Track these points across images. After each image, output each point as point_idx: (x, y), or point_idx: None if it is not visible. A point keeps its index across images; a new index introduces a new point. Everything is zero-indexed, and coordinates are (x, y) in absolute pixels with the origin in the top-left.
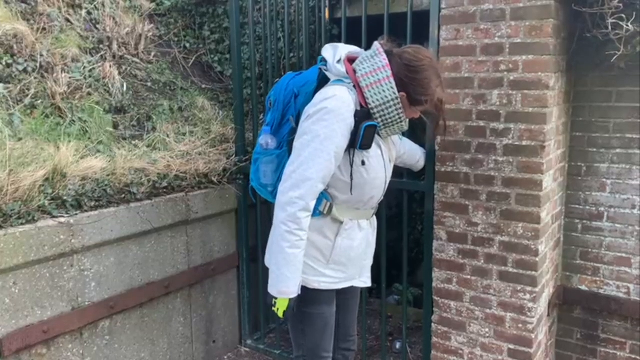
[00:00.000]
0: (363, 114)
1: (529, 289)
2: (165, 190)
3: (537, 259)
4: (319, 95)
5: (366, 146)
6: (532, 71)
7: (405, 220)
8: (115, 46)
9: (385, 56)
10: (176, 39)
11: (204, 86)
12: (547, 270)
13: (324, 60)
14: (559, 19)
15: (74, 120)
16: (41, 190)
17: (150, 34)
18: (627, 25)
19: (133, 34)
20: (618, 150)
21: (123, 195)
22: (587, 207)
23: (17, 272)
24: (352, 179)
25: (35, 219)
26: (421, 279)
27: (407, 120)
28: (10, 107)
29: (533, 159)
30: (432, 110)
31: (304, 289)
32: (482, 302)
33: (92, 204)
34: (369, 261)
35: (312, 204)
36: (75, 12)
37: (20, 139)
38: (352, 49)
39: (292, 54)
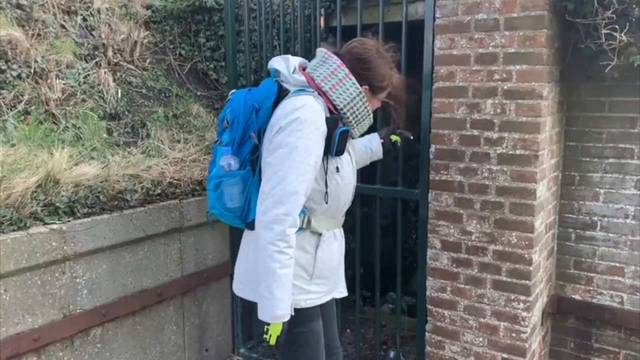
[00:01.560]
0: (334, 120)
1: (522, 298)
2: (158, 197)
3: (531, 268)
4: (288, 106)
5: (341, 152)
6: (525, 81)
7: (399, 228)
8: (110, 53)
9: (336, 57)
10: (171, 46)
11: (199, 93)
12: (540, 279)
13: (278, 74)
14: (552, 30)
15: (67, 127)
16: (34, 196)
17: (146, 40)
18: (621, 36)
19: (128, 40)
20: (611, 160)
21: (116, 202)
22: (581, 217)
23: (7, 279)
24: (327, 187)
25: (27, 225)
26: (415, 288)
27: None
28: (4, 113)
29: (527, 168)
30: (396, 94)
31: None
32: (475, 311)
33: (85, 210)
34: (342, 270)
35: (297, 218)
36: (71, 19)
37: (13, 145)
38: (301, 60)
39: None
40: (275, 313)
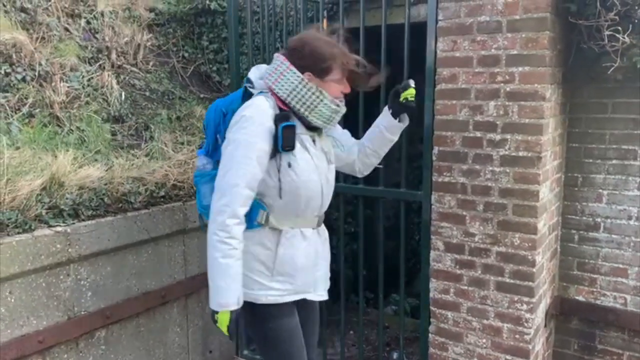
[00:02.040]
0: (282, 116)
1: (526, 299)
2: (162, 199)
3: (534, 270)
4: (241, 107)
5: (289, 147)
6: (528, 82)
7: (402, 230)
8: (114, 55)
9: (280, 55)
10: (175, 49)
11: (202, 95)
12: (544, 280)
13: (250, 81)
14: (555, 31)
15: (72, 129)
16: (38, 199)
17: (149, 43)
18: (623, 38)
19: (132, 43)
20: (614, 161)
21: (120, 205)
22: (584, 218)
23: (13, 282)
24: (280, 182)
25: (32, 228)
26: (418, 289)
27: (338, 101)
28: (9, 115)
29: (529, 170)
30: (352, 70)
31: (257, 305)
32: (479, 313)
33: (89, 213)
34: (323, 273)
35: (241, 210)
36: (75, 22)
37: (18, 148)
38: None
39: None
40: (220, 301)
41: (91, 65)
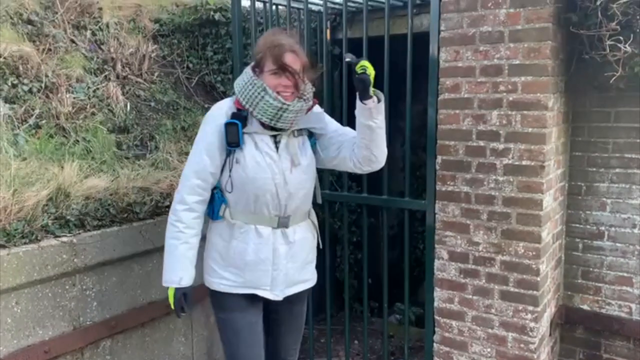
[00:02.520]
0: (232, 114)
1: (530, 308)
2: (167, 209)
3: (539, 279)
4: None
5: (233, 144)
6: (531, 92)
7: (407, 239)
8: (119, 66)
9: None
10: (179, 59)
11: (206, 105)
12: (548, 289)
13: None
14: (556, 41)
15: (77, 140)
16: (45, 209)
17: (154, 54)
18: (625, 47)
19: (137, 54)
20: (617, 170)
21: (126, 215)
22: (588, 226)
23: (19, 292)
24: (230, 177)
25: (39, 238)
26: (422, 298)
27: (282, 96)
28: (15, 127)
29: (533, 179)
30: (282, 62)
31: (214, 293)
32: (483, 322)
33: (95, 223)
34: (285, 274)
35: (189, 198)
36: (80, 33)
37: (24, 159)
38: None
39: None
40: (165, 277)
41: (97, 76)
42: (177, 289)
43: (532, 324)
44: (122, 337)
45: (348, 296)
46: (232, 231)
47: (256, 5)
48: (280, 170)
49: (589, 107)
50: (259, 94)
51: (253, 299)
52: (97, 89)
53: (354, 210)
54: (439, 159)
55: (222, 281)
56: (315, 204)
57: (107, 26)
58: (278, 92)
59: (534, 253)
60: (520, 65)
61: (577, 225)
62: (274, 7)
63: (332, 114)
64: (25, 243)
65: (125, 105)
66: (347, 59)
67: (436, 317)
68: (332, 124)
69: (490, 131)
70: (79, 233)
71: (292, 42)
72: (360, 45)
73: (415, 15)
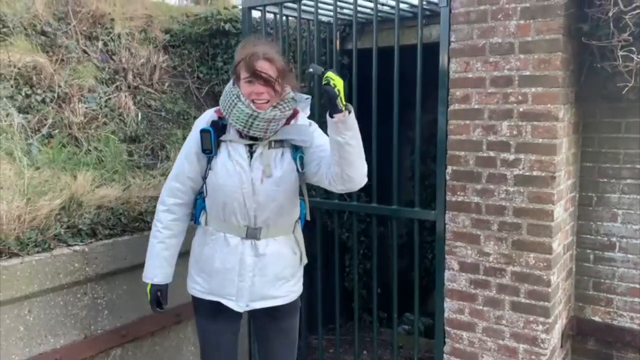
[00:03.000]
0: (213, 122)
1: (541, 319)
2: None
3: (550, 290)
4: None
5: (207, 150)
6: (541, 103)
7: (417, 249)
8: (130, 77)
9: None
10: (189, 70)
11: None
12: (559, 300)
13: None
14: (567, 52)
15: (90, 150)
16: (57, 218)
17: (165, 64)
18: (637, 58)
19: (148, 64)
20: (629, 181)
21: (137, 224)
22: (599, 237)
23: (32, 300)
24: (205, 182)
25: (51, 247)
26: (431, 309)
27: (256, 104)
28: (29, 136)
29: (544, 190)
30: (254, 69)
31: (192, 296)
32: (494, 333)
33: (107, 232)
34: (251, 286)
35: (169, 200)
36: (92, 44)
37: (37, 168)
38: None
39: (302, 84)
40: (143, 273)
41: (108, 87)
42: (152, 285)
43: (543, 336)
44: (132, 346)
45: (357, 306)
46: (205, 237)
47: (267, 16)
48: (248, 180)
49: (600, 117)
50: (232, 101)
51: (223, 308)
52: (109, 99)
53: (362, 219)
54: (449, 169)
55: (195, 285)
56: (324, 214)
57: (119, 37)
58: (252, 100)
59: (545, 264)
60: (530, 77)
61: (588, 236)
62: (284, 17)
63: None
64: (38, 252)
65: (137, 115)
66: (310, 70)
67: (446, 327)
68: (319, 138)
69: (500, 142)
70: (91, 242)
71: (267, 49)
72: (368, 55)
73: (424, 26)
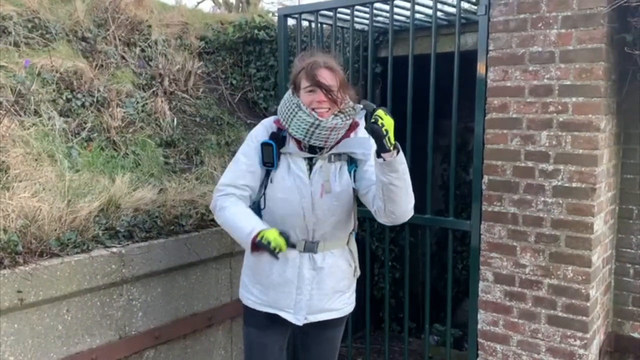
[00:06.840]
0: (273, 134)
1: (579, 334)
2: (212, 222)
3: (588, 304)
4: None
5: (268, 164)
6: (582, 113)
7: (450, 259)
8: (166, 82)
9: None
10: (223, 76)
11: (249, 121)
12: (598, 315)
13: None
14: (609, 62)
15: (127, 153)
16: (96, 220)
17: (199, 71)
18: None
19: (183, 70)
20: None
21: (172, 227)
22: (639, 251)
23: (70, 300)
24: (264, 195)
25: (90, 248)
26: (460, 319)
27: (317, 112)
28: (69, 139)
29: (583, 201)
30: (315, 80)
31: (242, 304)
32: (529, 347)
33: (143, 234)
34: (309, 300)
35: (221, 191)
36: (130, 50)
37: (77, 171)
38: None
39: None
40: (242, 243)
41: (145, 92)
42: (254, 236)
43: (581, 351)
44: (165, 348)
45: (388, 315)
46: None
47: (302, 24)
48: (308, 194)
49: None
50: (293, 110)
51: (277, 320)
52: (146, 104)
53: (393, 228)
54: (486, 178)
55: (250, 296)
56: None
57: (156, 43)
58: (313, 109)
59: (583, 277)
60: (571, 86)
61: (628, 250)
62: (319, 25)
63: None
64: (77, 252)
65: (172, 120)
66: (361, 106)
67: (479, 339)
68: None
69: (539, 152)
70: (128, 244)
71: (327, 58)
72: (405, 62)
73: (461, 34)
